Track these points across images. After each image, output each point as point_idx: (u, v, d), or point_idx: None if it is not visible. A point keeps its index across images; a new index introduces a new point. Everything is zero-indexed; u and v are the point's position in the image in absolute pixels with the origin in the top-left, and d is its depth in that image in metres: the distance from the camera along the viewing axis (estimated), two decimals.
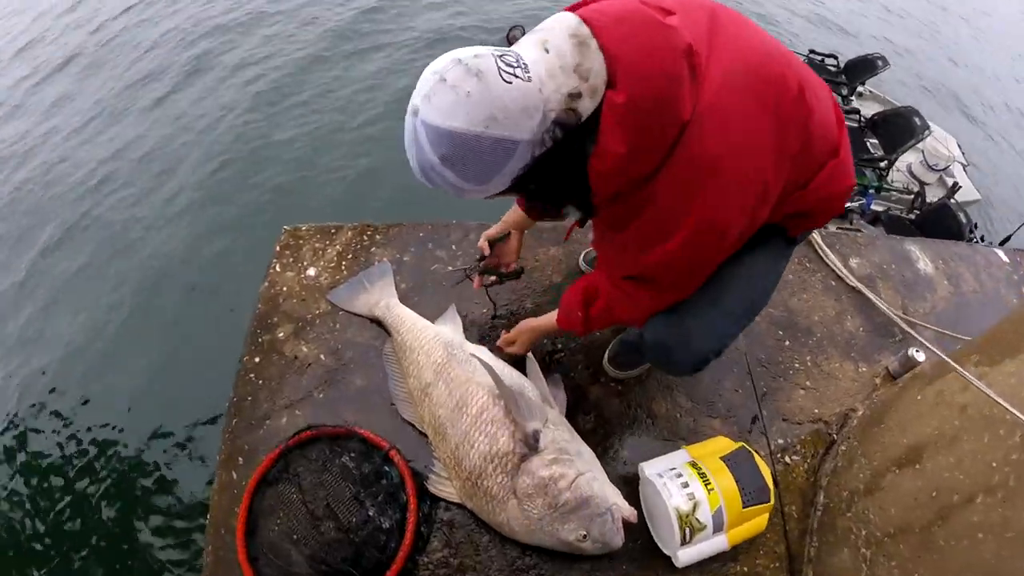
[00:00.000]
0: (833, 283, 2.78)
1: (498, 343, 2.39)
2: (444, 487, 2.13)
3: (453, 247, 2.80)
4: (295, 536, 2.07)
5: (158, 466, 3.98)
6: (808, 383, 2.44)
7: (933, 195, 6.66)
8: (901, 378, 2.42)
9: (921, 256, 2.96)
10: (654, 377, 2.46)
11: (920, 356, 2.40)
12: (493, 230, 2.34)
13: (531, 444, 1.97)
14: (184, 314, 4.81)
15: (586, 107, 1.29)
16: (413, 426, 2.27)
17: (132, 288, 5.10)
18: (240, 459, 2.25)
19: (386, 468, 2.16)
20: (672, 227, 1.41)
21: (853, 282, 2.72)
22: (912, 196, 6.48)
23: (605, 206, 1.50)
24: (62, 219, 5.80)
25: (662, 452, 2.15)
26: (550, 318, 2.15)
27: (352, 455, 2.20)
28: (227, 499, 2.16)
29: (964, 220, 5.95)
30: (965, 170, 7.41)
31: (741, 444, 2.05)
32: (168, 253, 5.27)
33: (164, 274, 5.14)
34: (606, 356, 2.47)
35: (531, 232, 2.61)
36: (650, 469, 2.05)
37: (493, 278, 2.36)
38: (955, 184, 6.63)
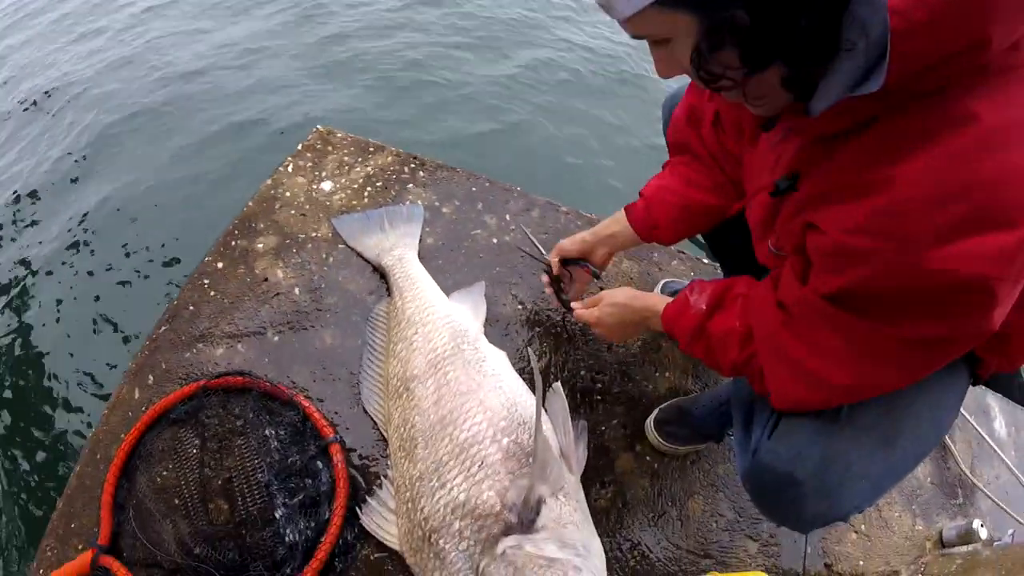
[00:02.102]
0: None
1: (573, 303, 1.89)
2: (384, 524, 1.69)
3: (507, 217, 2.43)
4: (176, 501, 1.75)
5: (72, 353, 3.44)
6: (863, 527, 2.10)
7: None
8: (954, 549, 2.15)
9: (999, 415, 2.66)
10: (700, 467, 2.05)
11: (984, 532, 2.11)
12: (571, 243, 1.90)
13: (526, 516, 1.49)
14: (186, 188, 4.26)
15: None
16: (375, 424, 1.90)
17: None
18: (150, 377, 1.96)
19: (319, 464, 1.77)
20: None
21: None
22: None
23: (837, 127, 0.99)
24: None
25: (683, 567, 1.87)
26: (657, 301, 1.60)
27: (282, 429, 1.83)
28: (117, 420, 1.89)
29: None
30: None
31: None
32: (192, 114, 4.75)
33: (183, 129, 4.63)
34: (652, 418, 2.03)
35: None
36: None
37: (548, 288, 1.99)
38: None
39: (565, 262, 1.92)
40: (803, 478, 1.24)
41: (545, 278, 1.96)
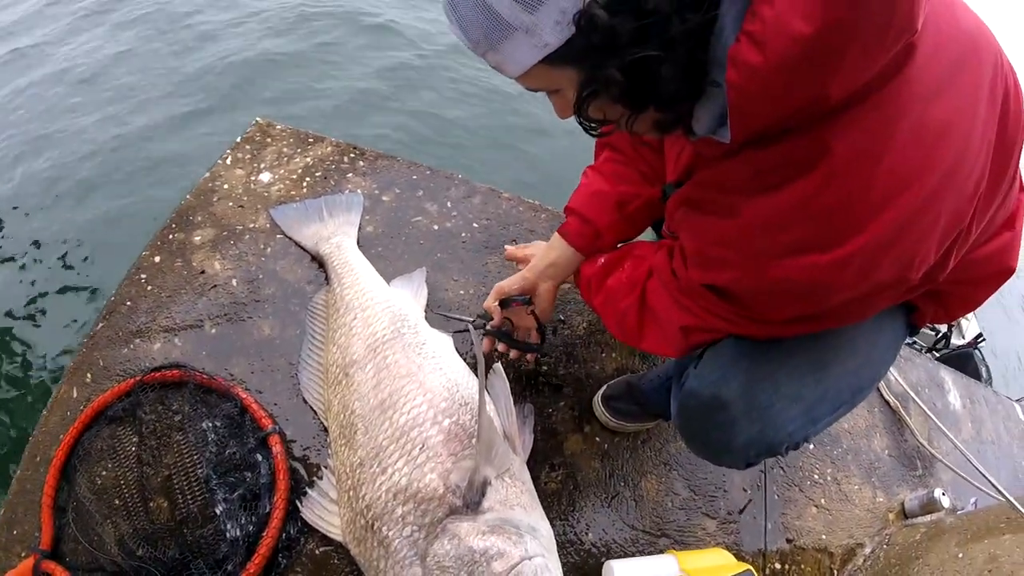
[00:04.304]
0: None
1: (507, 249, 1.96)
2: (326, 515, 1.63)
3: (448, 204, 2.41)
4: (116, 502, 1.70)
5: (12, 353, 3.39)
6: (823, 501, 2.14)
7: (958, 339, 6.38)
8: (916, 519, 2.21)
9: (953, 388, 2.76)
10: (651, 446, 2.03)
11: (946, 501, 2.18)
12: (510, 283, 1.79)
13: (471, 498, 1.46)
14: (121, 181, 4.22)
15: None
16: (316, 413, 1.84)
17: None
18: (89, 376, 1.91)
19: (258, 457, 1.71)
20: (860, 215, 0.92)
21: (889, 397, 2.50)
22: (937, 335, 6.23)
23: (717, 151, 1.09)
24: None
25: (640, 548, 1.85)
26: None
27: (219, 422, 1.78)
28: (57, 420, 1.85)
29: (985, 375, 5.70)
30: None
31: (747, 567, 1.68)
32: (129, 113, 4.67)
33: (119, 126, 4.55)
34: (599, 394, 2.01)
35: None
36: (623, 573, 1.65)
37: (502, 346, 1.84)
38: (980, 335, 6.32)
39: (503, 305, 1.80)
40: (730, 398, 1.27)
41: (485, 343, 1.83)
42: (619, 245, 1.69)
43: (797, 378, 1.25)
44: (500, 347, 1.84)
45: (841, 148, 0.90)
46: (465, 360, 1.87)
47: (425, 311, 2.01)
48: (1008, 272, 1.23)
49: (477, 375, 1.58)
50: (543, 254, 1.76)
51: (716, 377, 1.30)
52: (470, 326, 1.74)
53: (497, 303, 1.78)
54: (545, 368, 2.05)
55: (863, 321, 1.21)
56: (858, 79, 0.86)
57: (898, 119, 0.88)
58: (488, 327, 1.81)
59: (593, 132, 1.10)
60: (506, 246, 1.95)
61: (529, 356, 1.90)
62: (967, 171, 0.92)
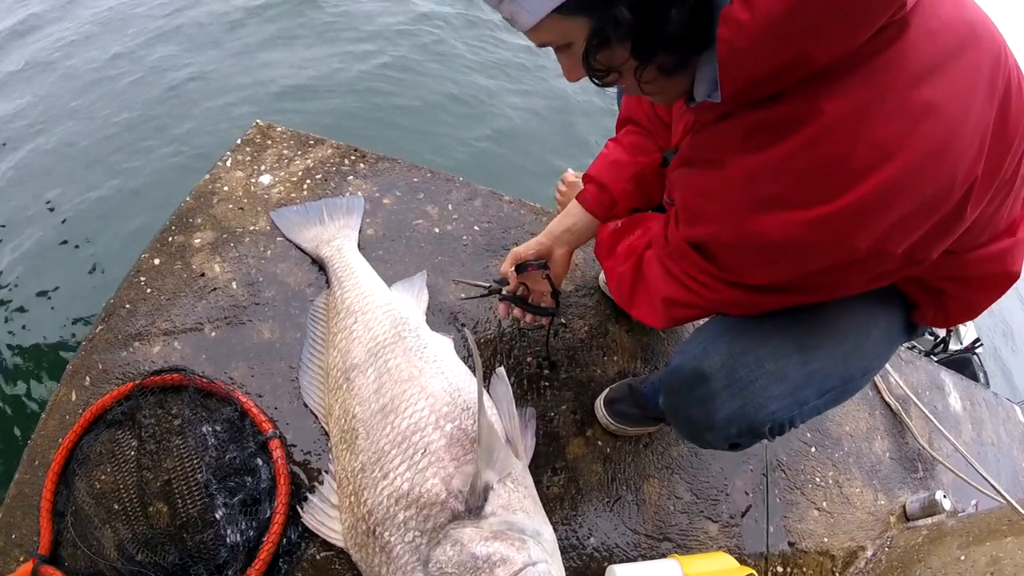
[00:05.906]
0: (870, 393, 2.56)
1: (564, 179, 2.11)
2: (327, 520, 1.62)
3: (449, 207, 2.41)
4: (115, 506, 1.67)
5: (10, 357, 3.39)
6: (825, 504, 2.15)
7: (955, 344, 6.42)
8: (918, 522, 2.23)
9: (953, 391, 2.80)
10: (654, 449, 2.05)
11: (947, 503, 2.20)
12: (526, 248, 1.83)
13: (474, 503, 1.45)
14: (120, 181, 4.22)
15: None
16: (316, 417, 1.82)
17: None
18: (87, 379, 1.88)
19: (258, 461, 1.70)
20: (841, 179, 0.95)
21: (890, 399, 2.52)
22: (935, 339, 6.29)
23: (713, 115, 1.14)
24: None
25: (642, 552, 1.85)
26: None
27: (219, 427, 1.76)
28: (55, 424, 1.82)
29: (983, 380, 5.77)
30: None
31: (750, 571, 1.69)
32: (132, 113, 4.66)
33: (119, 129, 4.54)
34: (602, 397, 2.02)
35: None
36: None
37: (516, 309, 1.88)
38: (977, 340, 6.37)
39: (519, 270, 1.82)
40: (711, 371, 1.30)
41: (502, 307, 1.86)
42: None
43: (781, 356, 1.27)
44: (516, 312, 1.87)
45: (830, 112, 0.93)
46: (465, 363, 1.87)
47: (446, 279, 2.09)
48: (1011, 277, 1.24)
49: (476, 378, 1.57)
50: (560, 219, 1.81)
51: (699, 351, 1.34)
52: (472, 329, 1.75)
53: (513, 268, 1.80)
54: (547, 372, 2.05)
55: (854, 309, 1.28)
56: (843, 45, 0.90)
57: (885, 92, 0.91)
58: (504, 292, 1.84)
59: (598, 81, 1.11)
60: (568, 169, 2.06)
61: (543, 320, 1.93)
62: (956, 154, 0.94)
